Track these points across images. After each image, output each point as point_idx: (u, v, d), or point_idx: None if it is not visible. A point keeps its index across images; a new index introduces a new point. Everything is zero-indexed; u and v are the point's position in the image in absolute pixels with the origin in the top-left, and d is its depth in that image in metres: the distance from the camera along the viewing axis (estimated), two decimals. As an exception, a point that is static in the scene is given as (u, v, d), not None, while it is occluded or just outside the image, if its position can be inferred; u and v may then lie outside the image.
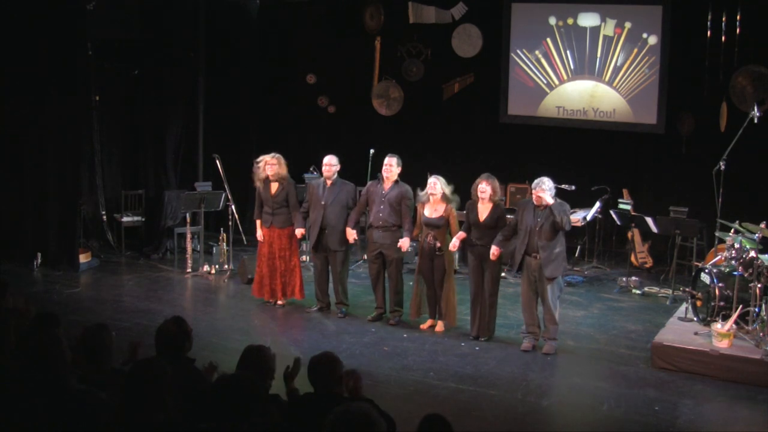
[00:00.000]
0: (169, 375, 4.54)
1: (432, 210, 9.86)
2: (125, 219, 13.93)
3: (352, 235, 10.55)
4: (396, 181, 10.37)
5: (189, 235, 12.93)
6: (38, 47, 12.31)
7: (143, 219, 14.11)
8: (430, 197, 9.85)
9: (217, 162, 13.01)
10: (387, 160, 10.41)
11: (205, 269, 12.75)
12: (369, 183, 10.74)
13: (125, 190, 14.17)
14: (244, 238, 13.55)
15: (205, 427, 4.30)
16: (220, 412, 4.28)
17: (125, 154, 14.61)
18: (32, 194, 12.78)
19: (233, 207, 12.84)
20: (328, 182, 10.68)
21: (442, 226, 9.85)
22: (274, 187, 10.87)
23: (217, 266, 12.81)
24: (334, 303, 10.92)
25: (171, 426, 4.44)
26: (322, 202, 10.60)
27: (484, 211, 9.72)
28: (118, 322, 9.96)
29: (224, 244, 12.87)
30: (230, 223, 12.83)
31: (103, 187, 13.97)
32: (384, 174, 10.39)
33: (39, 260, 12.64)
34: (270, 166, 10.82)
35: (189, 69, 14.61)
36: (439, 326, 10.18)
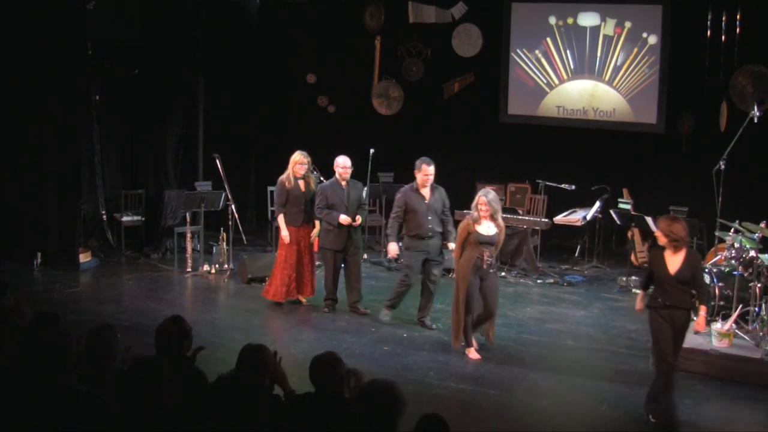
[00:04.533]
0: (168, 374, 4.54)
1: (486, 227, 9.10)
2: (125, 218, 13.93)
3: (395, 251, 10.36)
4: (434, 187, 10.23)
5: (189, 235, 12.92)
6: (38, 47, 12.30)
7: (143, 218, 14.11)
8: (481, 215, 9.10)
9: (217, 162, 13.00)
10: (429, 168, 10.10)
11: (205, 269, 12.74)
12: (403, 191, 10.26)
13: (125, 190, 14.17)
14: (244, 237, 13.56)
15: (205, 426, 4.30)
16: (220, 412, 4.27)
17: (125, 153, 14.61)
18: (32, 194, 12.77)
19: (233, 207, 12.83)
20: (344, 183, 10.67)
21: (496, 243, 9.25)
22: (303, 184, 10.90)
23: (217, 266, 12.80)
24: (350, 302, 10.93)
25: (170, 425, 4.44)
26: (346, 204, 10.60)
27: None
28: (118, 321, 9.94)
29: (224, 243, 12.86)
30: (230, 222, 12.82)
31: (103, 187, 13.96)
32: (426, 183, 10.10)
33: (39, 260, 12.63)
34: (302, 165, 10.84)
35: (189, 69, 14.60)
36: (472, 353, 9.32)
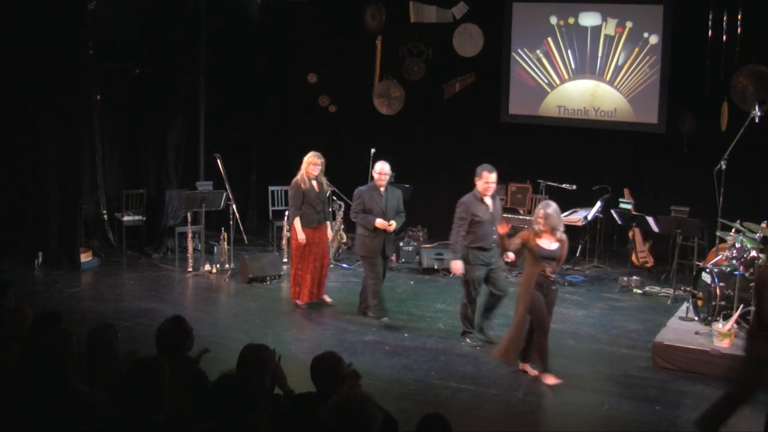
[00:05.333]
0: (168, 374, 4.55)
1: (548, 241, 8.54)
2: (126, 218, 13.93)
3: (461, 268, 9.53)
4: (493, 195, 9.74)
5: (190, 235, 12.93)
6: (40, 47, 12.30)
7: (144, 218, 14.11)
8: (540, 228, 8.55)
9: (218, 161, 13.01)
10: (491, 176, 9.59)
11: (206, 268, 12.75)
12: (467, 201, 9.62)
13: (126, 190, 14.17)
14: (244, 237, 13.57)
15: (206, 426, 4.30)
16: (221, 412, 4.28)
17: (126, 153, 14.61)
18: (33, 193, 12.78)
19: (234, 206, 12.84)
20: (382, 189, 10.42)
21: (558, 258, 8.74)
22: (317, 185, 10.89)
23: (218, 265, 12.80)
24: (362, 307, 10.78)
25: (171, 425, 4.44)
26: (383, 210, 10.36)
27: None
28: (119, 321, 9.93)
29: (225, 243, 12.86)
30: (231, 222, 12.83)
31: (104, 187, 13.98)
32: (488, 192, 9.58)
33: (40, 259, 12.63)
34: (316, 166, 10.81)
35: (190, 68, 14.60)
36: (551, 378, 8.63)
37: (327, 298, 11.24)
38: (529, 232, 8.65)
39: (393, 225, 10.35)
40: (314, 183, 10.84)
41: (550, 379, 8.53)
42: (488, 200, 9.61)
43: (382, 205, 10.34)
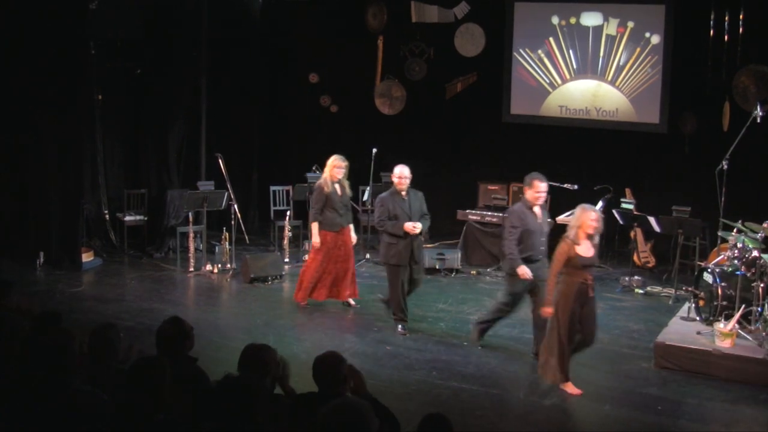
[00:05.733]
0: (169, 374, 4.55)
1: (586, 248, 8.22)
2: (128, 218, 13.92)
3: (530, 273, 9.01)
4: (542, 205, 9.36)
5: (191, 234, 12.92)
6: (41, 47, 12.30)
7: (146, 218, 14.09)
8: (587, 232, 8.21)
9: (220, 161, 13.01)
10: (542, 185, 9.16)
11: (207, 268, 12.74)
12: (517, 210, 9.28)
13: (128, 189, 14.16)
14: (246, 237, 13.56)
15: (207, 427, 4.30)
16: (223, 412, 4.28)
17: (128, 153, 14.60)
18: (35, 193, 12.77)
19: (236, 206, 12.84)
20: (403, 193, 10.07)
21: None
22: (340, 188, 10.78)
23: (219, 265, 12.79)
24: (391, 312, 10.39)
25: (172, 426, 4.44)
26: (409, 215, 9.99)
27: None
28: (121, 321, 9.94)
29: (227, 243, 12.86)
30: (233, 222, 12.83)
31: (105, 186, 13.98)
32: (538, 202, 9.18)
33: (41, 259, 12.63)
34: (340, 169, 10.72)
35: (192, 68, 14.60)
36: (573, 387, 8.40)
37: (351, 301, 11.10)
38: (566, 244, 8.22)
39: (419, 227, 10.01)
40: (337, 186, 10.74)
41: (572, 388, 8.31)
42: (537, 210, 9.21)
43: (406, 209, 10.02)
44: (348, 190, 10.94)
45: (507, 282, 9.41)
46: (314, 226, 10.76)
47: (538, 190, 9.12)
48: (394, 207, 10.01)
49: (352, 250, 11.06)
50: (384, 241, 10.13)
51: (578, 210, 8.34)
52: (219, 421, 4.23)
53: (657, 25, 13.61)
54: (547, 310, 8.29)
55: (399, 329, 10.07)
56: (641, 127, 13.98)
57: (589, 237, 8.21)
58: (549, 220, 12.63)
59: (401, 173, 10.09)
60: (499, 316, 9.60)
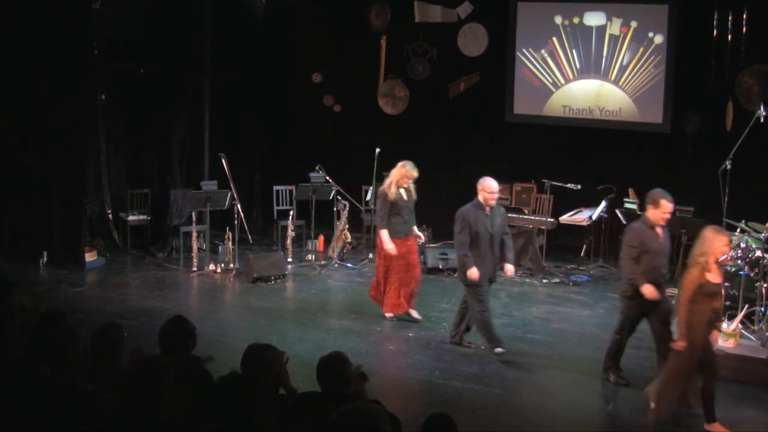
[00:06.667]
0: (172, 374, 4.55)
1: (715, 274, 7.47)
2: (131, 218, 13.93)
3: (654, 291, 8.24)
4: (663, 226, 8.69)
5: (194, 234, 12.93)
6: (44, 46, 12.31)
7: (149, 218, 14.10)
8: (721, 259, 7.51)
9: (223, 161, 13.02)
10: (669, 206, 8.48)
11: (210, 268, 12.74)
12: (637, 229, 8.44)
13: (131, 189, 14.17)
14: (249, 237, 13.56)
15: (209, 426, 4.30)
16: (225, 412, 4.28)
17: (131, 152, 14.62)
18: (38, 193, 12.79)
19: (239, 206, 12.85)
20: (487, 209, 9.23)
21: None
22: (405, 193, 10.36)
23: (222, 265, 12.80)
24: (457, 334, 9.71)
25: (174, 425, 4.44)
26: (491, 232, 9.23)
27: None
28: (124, 320, 9.93)
29: (230, 243, 12.86)
30: (236, 222, 12.85)
31: (108, 186, 13.99)
32: (662, 222, 8.43)
33: (45, 259, 12.65)
34: (410, 179, 10.31)
35: (194, 68, 14.61)
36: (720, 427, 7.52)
37: (414, 313, 10.54)
38: (695, 270, 7.43)
39: (509, 270, 9.42)
40: (402, 191, 10.32)
41: (719, 427, 7.46)
42: (659, 229, 8.44)
43: (489, 226, 9.19)
44: (414, 194, 10.45)
45: (622, 306, 8.61)
46: (384, 234, 10.24)
47: (665, 210, 8.38)
48: (476, 223, 9.16)
49: (416, 260, 10.63)
50: (462, 260, 9.30)
51: (708, 233, 7.49)
52: (220, 420, 4.23)
53: (660, 24, 13.60)
54: (680, 344, 7.46)
55: (497, 351, 9.22)
56: (644, 126, 13.98)
57: (720, 263, 7.51)
58: (551, 219, 12.61)
59: (491, 188, 9.20)
60: (618, 351, 8.73)
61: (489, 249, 9.22)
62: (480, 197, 9.19)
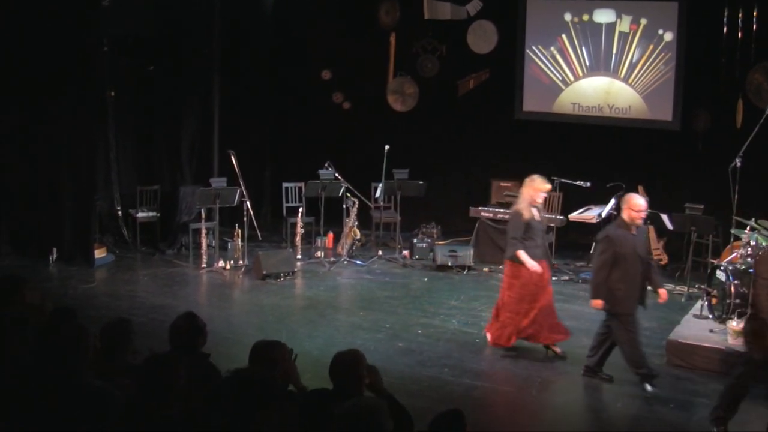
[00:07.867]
0: (181, 370, 4.55)
1: None
2: (140, 214, 13.94)
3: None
4: None
5: (204, 231, 12.95)
6: (54, 43, 12.33)
7: (158, 214, 14.11)
8: None
9: (232, 158, 13.03)
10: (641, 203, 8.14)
11: (219, 265, 12.76)
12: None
13: (140, 186, 14.17)
14: (258, 234, 13.56)
15: (218, 423, 4.30)
16: (234, 408, 4.28)
17: (140, 149, 14.63)
18: (47, 190, 12.82)
19: (248, 203, 12.87)
20: (633, 229, 8.34)
21: None
22: (538, 212, 9.33)
23: (231, 262, 12.82)
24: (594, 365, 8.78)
25: (184, 421, 4.45)
26: (639, 254, 8.37)
27: None
28: (134, 317, 9.88)
29: (239, 239, 12.88)
30: (245, 218, 12.86)
31: (118, 183, 14.00)
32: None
33: (54, 255, 12.68)
34: (543, 194, 9.35)
35: (204, 65, 14.62)
36: None
37: (556, 349, 9.36)
38: None
39: (664, 295, 8.59)
40: (535, 211, 9.23)
41: None
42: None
43: (637, 248, 8.35)
44: (543, 212, 9.61)
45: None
46: (522, 254, 9.01)
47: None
48: (622, 246, 8.25)
49: (549, 288, 9.41)
50: (611, 287, 8.34)
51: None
52: (228, 416, 4.24)
53: (670, 22, 13.57)
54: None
55: (648, 389, 8.32)
56: (654, 124, 13.95)
57: None
58: (560, 217, 12.59)
59: (639, 206, 8.35)
60: (740, 397, 7.52)
61: (638, 272, 8.33)
62: (625, 215, 8.32)
